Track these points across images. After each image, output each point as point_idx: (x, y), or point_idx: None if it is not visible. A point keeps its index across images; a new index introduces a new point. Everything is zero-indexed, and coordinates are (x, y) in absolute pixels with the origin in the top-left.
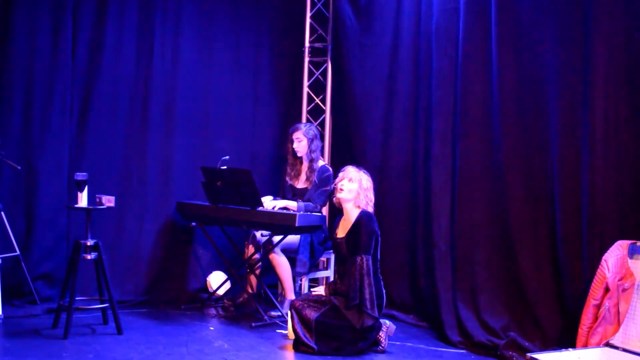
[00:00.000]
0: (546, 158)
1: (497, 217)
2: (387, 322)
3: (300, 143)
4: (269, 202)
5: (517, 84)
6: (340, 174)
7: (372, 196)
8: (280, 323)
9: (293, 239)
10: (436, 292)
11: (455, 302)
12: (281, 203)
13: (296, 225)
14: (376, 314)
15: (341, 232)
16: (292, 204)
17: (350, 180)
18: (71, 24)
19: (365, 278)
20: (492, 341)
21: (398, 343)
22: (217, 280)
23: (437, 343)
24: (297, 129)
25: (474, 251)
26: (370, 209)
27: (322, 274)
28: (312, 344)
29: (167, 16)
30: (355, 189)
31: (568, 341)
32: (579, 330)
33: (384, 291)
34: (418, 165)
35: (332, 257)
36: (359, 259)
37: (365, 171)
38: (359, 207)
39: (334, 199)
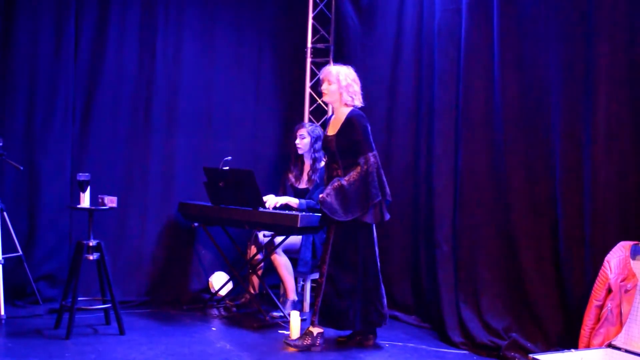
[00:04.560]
0: (548, 158)
1: (499, 218)
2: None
3: (303, 140)
4: (271, 200)
5: (519, 84)
6: (321, 77)
7: (356, 89)
8: (283, 324)
9: (295, 239)
10: (438, 293)
11: (458, 303)
12: (283, 199)
13: (298, 225)
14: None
15: (331, 130)
16: (294, 200)
17: (329, 83)
18: (74, 24)
19: (381, 171)
20: (495, 342)
21: (400, 344)
22: (219, 281)
23: (439, 344)
24: (302, 127)
25: (476, 252)
26: (358, 103)
27: None
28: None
29: (170, 17)
30: (335, 90)
31: (570, 342)
32: (581, 331)
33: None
34: (420, 165)
35: None
36: (371, 156)
37: (346, 66)
38: (346, 105)
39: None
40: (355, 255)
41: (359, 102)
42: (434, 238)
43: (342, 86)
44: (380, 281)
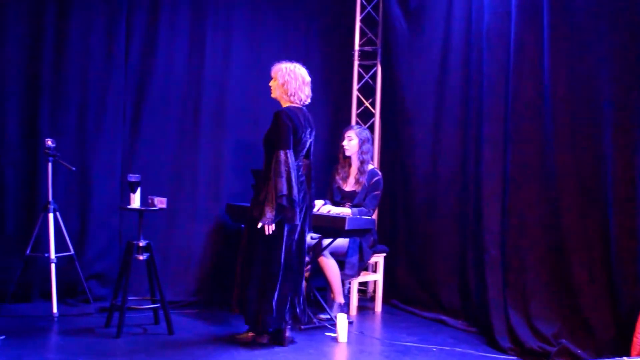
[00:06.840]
0: (599, 162)
1: (549, 222)
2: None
3: (350, 142)
4: (323, 208)
5: (570, 88)
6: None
7: (289, 88)
8: (329, 326)
9: (342, 242)
10: (486, 297)
11: (506, 307)
12: (335, 210)
13: (346, 228)
14: (297, 209)
15: None
16: (346, 211)
17: (272, 79)
18: (124, 28)
19: (292, 172)
20: (544, 348)
21: (447, 348)
22: None
23: (486, 349)
24: (350, 128)
25: (525, 256)
26: (298, 101)
27: (371, 277)
28: None
29: (218, 20)
30: (274, 86)
31: (622, 349)
32: (634, 339)
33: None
34: (468, 170)
35: (382, 260)
36: (282, 153)
37: (296, 64)
38: (290, 102)
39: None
40: (254, 250)
41: (298, 100)
42: (482, 242)
43: (279, 84)
44: (275, 282)
